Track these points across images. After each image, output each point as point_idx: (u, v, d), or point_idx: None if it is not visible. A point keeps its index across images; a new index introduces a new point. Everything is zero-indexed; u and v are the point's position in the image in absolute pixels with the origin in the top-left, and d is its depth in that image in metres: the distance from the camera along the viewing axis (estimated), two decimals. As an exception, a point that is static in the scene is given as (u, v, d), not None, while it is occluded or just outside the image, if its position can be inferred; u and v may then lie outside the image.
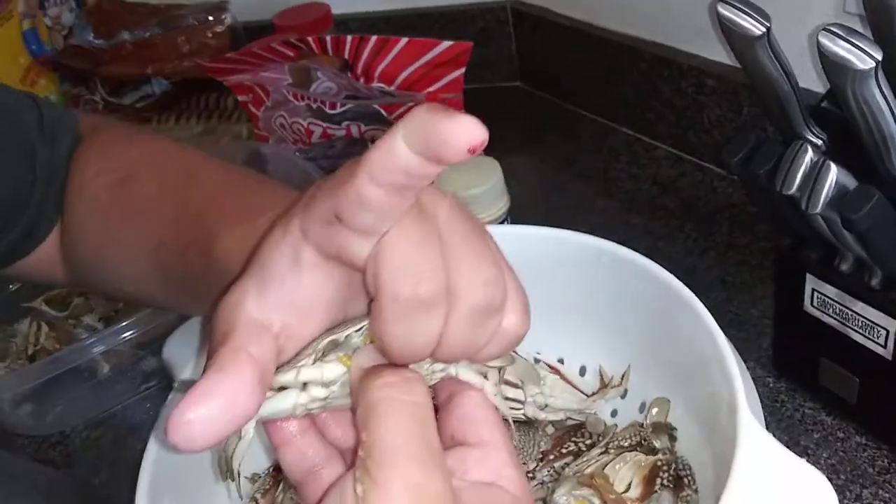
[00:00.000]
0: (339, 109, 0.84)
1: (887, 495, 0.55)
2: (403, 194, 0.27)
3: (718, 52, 0.85)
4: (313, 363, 0.31)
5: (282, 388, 0.31)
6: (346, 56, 0.84)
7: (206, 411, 0.27)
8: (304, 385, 0.31)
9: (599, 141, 1.00)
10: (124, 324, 0.72)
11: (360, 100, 0.83)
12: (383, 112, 0.82)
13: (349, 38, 0.83)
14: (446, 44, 0.79)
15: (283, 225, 0.31)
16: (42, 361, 0.74)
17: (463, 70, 0.78)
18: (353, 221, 0.28)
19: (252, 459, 0.55)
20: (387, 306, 0.28)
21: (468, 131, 0.25)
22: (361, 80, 0.82)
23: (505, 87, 1.15)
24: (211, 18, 1.15)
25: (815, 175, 0.45)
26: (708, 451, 0.47)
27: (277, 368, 0.31)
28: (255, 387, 0.28)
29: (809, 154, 0.46)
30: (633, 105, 0.97)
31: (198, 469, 0.48)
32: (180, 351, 0.52)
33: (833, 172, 0.45)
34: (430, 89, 0.79)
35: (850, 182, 0.45)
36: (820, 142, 0.51)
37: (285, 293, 0.30)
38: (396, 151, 0.26)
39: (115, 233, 0.49)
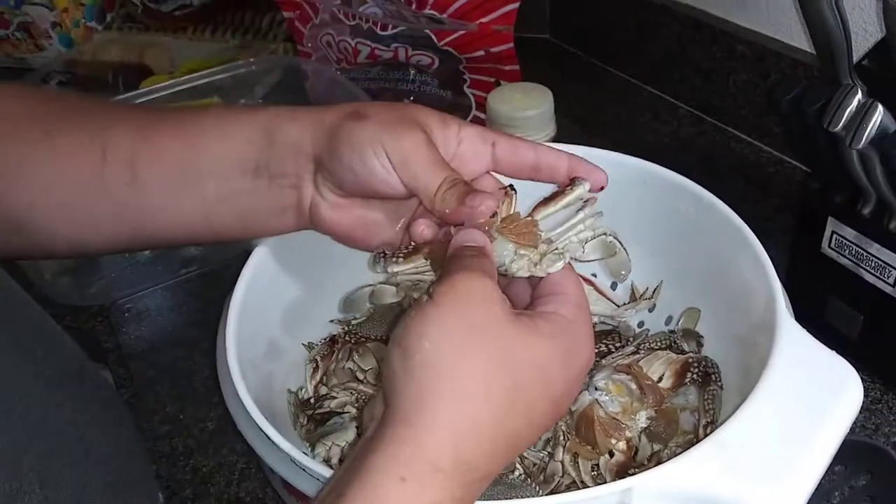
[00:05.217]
0: (390, 31, 0.87)
1: (878, 420, 0.61)
2: None
3: (750, 20, 0.90)
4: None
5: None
6: (402, -19, 0.88)
7: None
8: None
9: (623, 97, 1.05)
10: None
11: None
12: (434, 37, 0.85)
13: (406, -37, 0.87)
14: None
15: None
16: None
17: (518, 3, 0.81)
18: None
19: (307, 334, 0.60)
20: None
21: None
22: (414, 5, 0.85)
23: (534, 38, 1.19)
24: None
25: (862, 114, 0.50)
26: (734, 354, 0.52)
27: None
28: None
29: (858, 95, 0.51)
30: (660, 65, 1.02)
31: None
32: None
33: (879, 112, 0.50)
34: (483, 20, 0.82)
35: (892, 125, 0.51)
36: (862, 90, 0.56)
37: None
38: None
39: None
